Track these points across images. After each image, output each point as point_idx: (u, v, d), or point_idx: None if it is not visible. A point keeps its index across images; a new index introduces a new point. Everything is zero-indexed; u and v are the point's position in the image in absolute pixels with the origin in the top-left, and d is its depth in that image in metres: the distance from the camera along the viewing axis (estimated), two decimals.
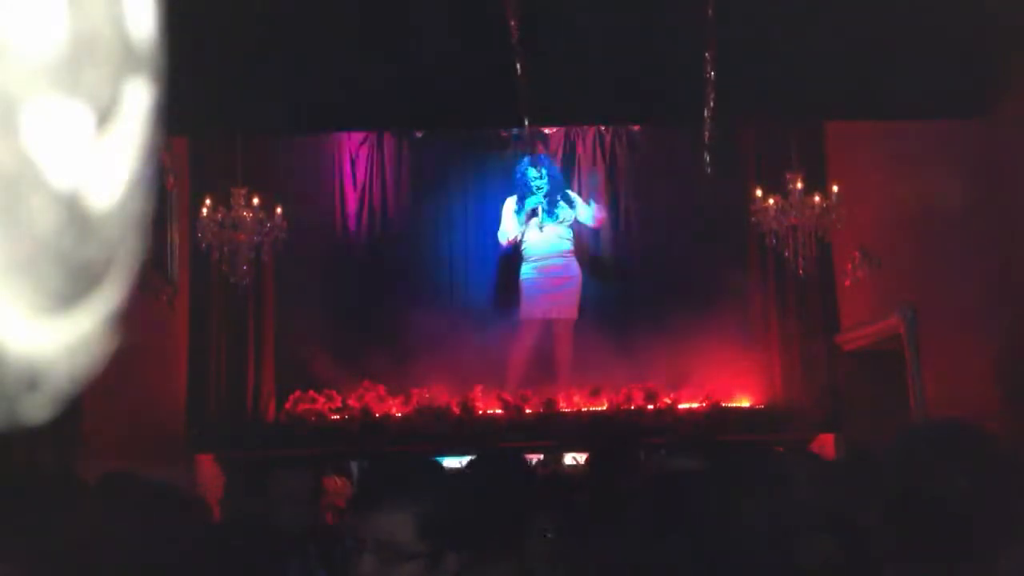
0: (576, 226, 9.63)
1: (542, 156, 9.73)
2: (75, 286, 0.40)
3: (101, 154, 0.40)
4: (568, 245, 9.49)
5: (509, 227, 9.49)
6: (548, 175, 9.51)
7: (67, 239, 0.39)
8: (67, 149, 0.39)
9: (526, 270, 9.45)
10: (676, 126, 9.05)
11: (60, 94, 0.39)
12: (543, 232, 9.40)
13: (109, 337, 0.42)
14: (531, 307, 9.38)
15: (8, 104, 0.38)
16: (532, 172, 9.49)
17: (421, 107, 7.17)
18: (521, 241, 9.48)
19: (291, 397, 9.23)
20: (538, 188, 9.44)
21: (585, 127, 10.16)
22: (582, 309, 9.54)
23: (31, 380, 0.40)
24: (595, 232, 10.04)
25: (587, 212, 9.59)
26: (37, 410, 0.41)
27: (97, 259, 0.41)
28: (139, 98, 0.42)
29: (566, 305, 9.40)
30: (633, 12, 6.27)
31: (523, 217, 9.42)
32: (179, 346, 9.06)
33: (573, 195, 9.64)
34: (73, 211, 0.39)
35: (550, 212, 9.42)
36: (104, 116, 0.40)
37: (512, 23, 5.87)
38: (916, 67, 6.43)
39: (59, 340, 0.41)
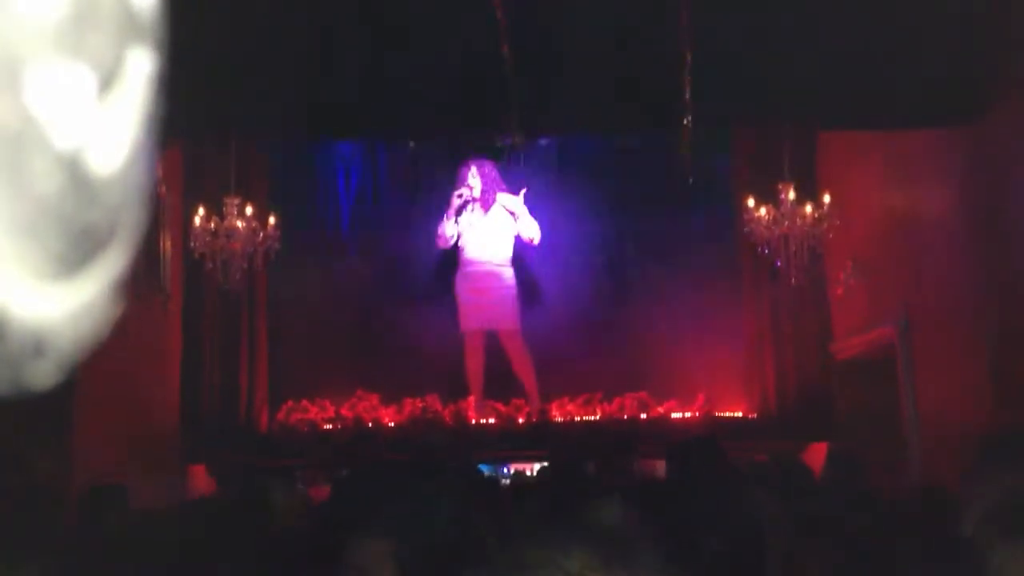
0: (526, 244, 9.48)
1: (484, 161, 9.49)
2: (78, 251, 0.40)
3: (104, 119, 0.40)
4: (505, 254, 9.29)
5: (445, 225, 9.23)
6: (483, 176, 9.30)
7: (69, 202, 0.39)
8: (70, 111, 0.39)
9: (459, 278, 9.27)
10: (666, 134, 9.08)
11: (62, 55, 0.39)
12: (480, 236, 9.20)
13: (112, 304, 0.42)
14: (468, 318, 9.18)
15: (11, 62, 0.38)
16: (471, 171, 9.32)
17: (414, 116, 7.19)
18: (458, 245, 9.30)
19: (284, 407, 9.22)
20: (470, 187, 9.26)
21: (578, 136, 10.17)
22: (578, 318, 9.52)
23: (36, 346, 0.40)
24: (587, 242, 10.06)
25: (529, 225, 9.30)
26: (42, 376, 0.41)
27: (100, 224, 0.41)
28: (142, 66, 0.42)
29: (502, 315, 9.15)
30: (624, 21, 6.30)
31: (452, 213, 9.19)
32: (172, 356, 9.03)
33: (517, 203, 9.31)
34: (75, 174, 0.39)
35: (484, 210, 9.21)
36: (107, 81, 0.40)
37: (503, 34, 5.89)
38: (906, 76, 6.47)
39: (63, 306, 0.41)
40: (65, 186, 0.39)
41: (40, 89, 0.38)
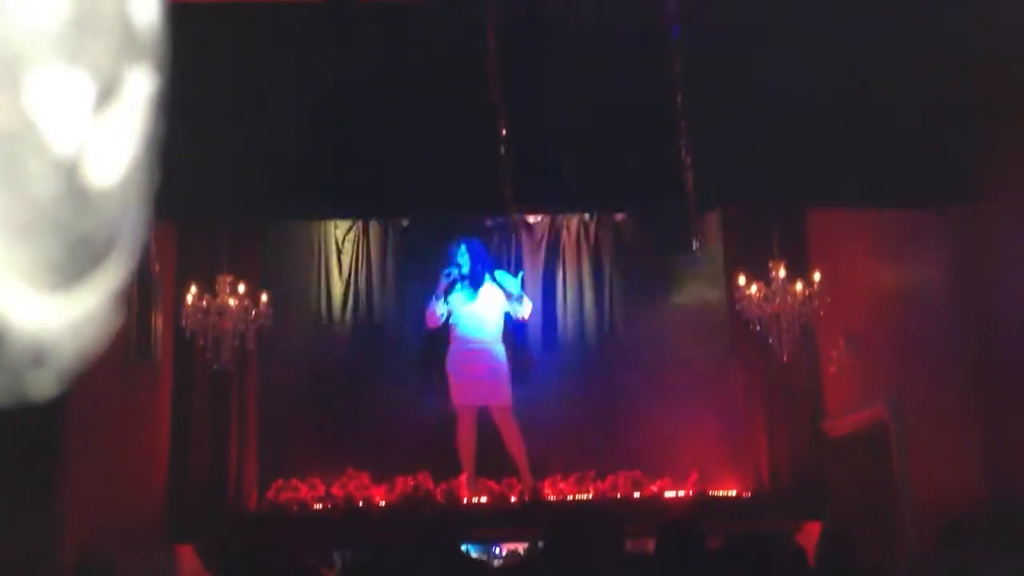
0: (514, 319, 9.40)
1: (473, 240, 9.49)
2: (76, 260, 0.41)
3: (102, 131, 0.41)
4: (496, 330, 9.27)
5: (435, 304, 9.22)
6: (472, 254, 9.29)
7: (67, 210, 0.40)
8: (68, 117, 0.40)
9: (450, 356, 9.23)
10: (660, 213, 9.13)
11: (62, 61, 0.39)
12: (470, 314, 9.19)
13: (111, 315, 0.43)
14: (459, 395, 9.13)
15: (11, 65, 0.38)
16: (460, 250, 9.29)
17: (405, 197, 7.23)
18: (449, 323, 9.29)
19: (273, 485, 9.12)
20: (459, 265, 9.23)
21: (570, 216, 10.24)
22: (570, 395, 9.50)
23: (36, 355, 0.40)
24: (581, 320, 10.08)
25: (519, 304, 9.26)
26: (42, 386, 0.41)
27: (97, 234, 0.41)
28: (141, 83, 0.43)
29: (496, 391, 9.13)
30: (616, 101, 6.38)
31: (441, 291, 9.17)
32: (161, 433, 8.97)
33: (510, 283, 9.30)
34: (73, 183, 0.40)
35: (473, 288, 9.20)
36: (106, 93, 0.41)
37: (496, 113, 5.97)
38: (898, 158, 6.54)
39: (63, 316, 0.41)
40: (63, 194, 0.40)
41: (39, 93, 0.39)
